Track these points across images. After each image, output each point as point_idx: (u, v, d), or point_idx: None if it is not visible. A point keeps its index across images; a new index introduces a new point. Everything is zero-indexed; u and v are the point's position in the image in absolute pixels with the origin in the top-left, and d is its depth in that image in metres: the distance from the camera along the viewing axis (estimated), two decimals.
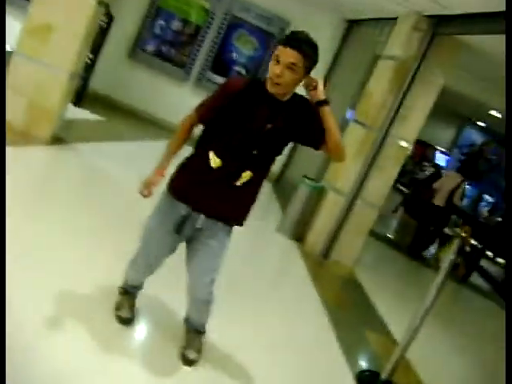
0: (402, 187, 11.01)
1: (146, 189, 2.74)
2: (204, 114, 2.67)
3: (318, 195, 6.19)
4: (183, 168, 2.71)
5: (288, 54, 2.44)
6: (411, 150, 6.58)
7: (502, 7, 3.87)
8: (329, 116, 2.61)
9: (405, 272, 7.99)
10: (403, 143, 6.01)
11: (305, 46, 2.46)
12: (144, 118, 8.87)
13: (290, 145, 8.35)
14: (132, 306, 3.11)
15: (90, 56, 7.20)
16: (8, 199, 3.54)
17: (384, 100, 5.78)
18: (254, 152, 2.59)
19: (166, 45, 9.04)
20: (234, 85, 2.62)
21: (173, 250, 2.85)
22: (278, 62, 2.47)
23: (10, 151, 5.02)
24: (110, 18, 7.62)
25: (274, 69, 2.48)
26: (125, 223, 4.58)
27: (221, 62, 9.16)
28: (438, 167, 13.21)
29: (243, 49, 9.15)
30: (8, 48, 5.60)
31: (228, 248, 2.82)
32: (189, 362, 2.92)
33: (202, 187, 2.65)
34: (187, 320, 3.04)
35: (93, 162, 6.03)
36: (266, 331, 3.88)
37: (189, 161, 2.71)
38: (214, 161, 2.59)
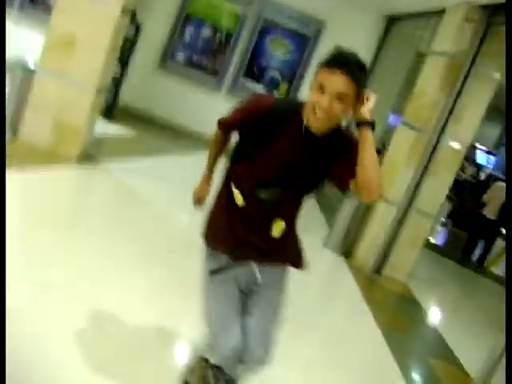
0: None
1: (198, 200, 2.44)
2: (229, 121, 2.31)
3: (366, 206, 5.73)
4: (213, 211, 2.26)
5: (337, 81, 1.91)
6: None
7: None
8: (368, 142, 1.98)
9: (461, 283, 7.45)
10: (458, 146, 5.50)
11: (356, 69, 1.95)
12: (177, 131, 8.56)
13: None
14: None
15: (119, 68, 6.90)
16: (36, 225, 3.22)
17: (436, 100, 5.30)
18: (278, 191, 2.10)
19: (197, 53, 8.72)
20: (260, 105, 2.13)
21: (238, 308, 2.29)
22: (322, 90, 1.93)
23: (37, 172, 4.76)
24: (137, 28, 7.33)
25: (319, 100, 1.94)
26: (168, 250, 4.23)
27: (254, 67, 8.78)
28: (478, 166, 12.68)
29: (277, 53, 8.76)
30: (31, 65, 5.30)
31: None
32: None
33: (236, 234, 2.17)
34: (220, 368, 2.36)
35: (126, 181, 5.69)
36: (320, 351, 3.56)
37: (217, 199, 2.25)
38: (238, 199, 2.14)
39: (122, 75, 7.34)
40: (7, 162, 4.73)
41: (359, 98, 1.95)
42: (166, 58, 8.71)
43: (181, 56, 8.69)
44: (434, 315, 5.13)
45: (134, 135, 7.53)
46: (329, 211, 6.95)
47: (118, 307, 3.10)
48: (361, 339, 4.15)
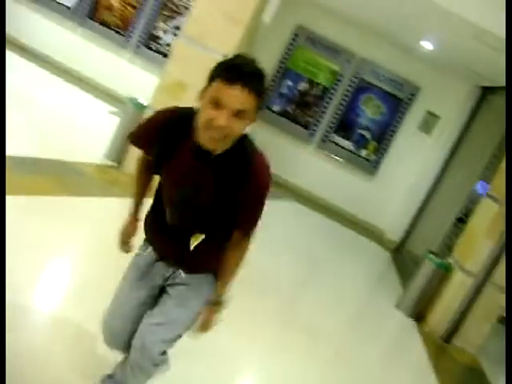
0: None
1: (124, 244, 2.30)
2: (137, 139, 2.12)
3: (443, 273, 5.74)
4: (148, 213, 2.19)
5: (237, 96, 1.71)
6: None
7: None
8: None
9: None
10: None
11: (256, 80, 1.75)
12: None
13: (414, 211, 7.89)
14: None
15: None
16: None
17: None
18: (188, 214, 1.98)
19: (292, 105, 9.07)
20: (161, 116, 2.01)
21: (136, 310, 2.15)
22: (217, 105, 1.73)
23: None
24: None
25: (215, 117, 1.72)
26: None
27: (345, 124, 9.03)
28: None
29: (369, 112, 8.98)
30: (144, 102, 5.79)
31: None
32: None
33: (162, 242, 2.11)
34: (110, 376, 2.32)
35: None
36: None
37: (153, 205, 2.16)
38: (168, 214, 2.05)
39: None
40: (106, 192, 5.22)
41: (259, 107, 1.79)
42: (263, 106, 9.12)
43: (277, 106, 9.09)
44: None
45: None
46: (404, 271, 6.98)
47: None
48: None
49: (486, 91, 8.30)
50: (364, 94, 8.96)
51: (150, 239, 2.16)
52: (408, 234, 8.65)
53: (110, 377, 2.31)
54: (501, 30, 5.04)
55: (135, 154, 5.38)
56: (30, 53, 8.98)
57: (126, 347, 2.16)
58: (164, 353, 2.09)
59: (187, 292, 2.08)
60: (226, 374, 3.21)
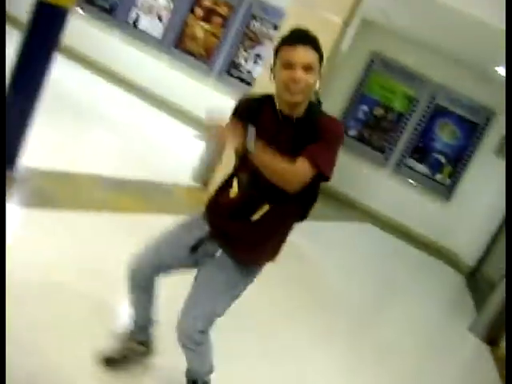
0: None
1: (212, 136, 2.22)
2: None
3: None
4: (217, 189, 2.38)
5: (303, 53, 2.02)
6: None
7: None
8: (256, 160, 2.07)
9: None
10: None
11: (315, 42, 2.08)
12: (342, 200, 9.12)
13: (490, 235, 7.88)
14: (125, 348, 2.63)
15: None
16: None
17: None
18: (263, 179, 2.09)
19: (368, 129, 9.31)
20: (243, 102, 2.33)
21: (173, 267, 2.41)
22: (290, 66, 2.03)
23: None
24: (318, 104, 8.08)
25: (291, 75, 2.02)
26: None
27: (421, 148, 9.16)
28: None
29: (444, 137, 9.09)
30: None
31: (239, 293, 2.34)
32: None
33: (223, 212, 2.28)
34: (186, 370, 2.50)
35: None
36: None
37: (222, 182, 2.37)
38: (234, 190, 2.23)
39: None
40: (194, 209, 5.62)
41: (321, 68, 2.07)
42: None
43: (353, 131, 9.35)
44: None
45: None
46: (479, 295, 7.00)
47: None
48: None
49: None
50: (439, 119, 9.08)
51: (209, 217, 2.33)
52: (484, 258, 8.64)
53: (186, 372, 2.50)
54: None
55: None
56: (123, 81, 9.67)
57: (146, 283, 2.42)
58: (203, 332, 2.27)
59: (226, 281, 2.27)
60: None
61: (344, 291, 5.52)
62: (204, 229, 2.30)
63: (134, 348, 2.62)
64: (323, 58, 2.11)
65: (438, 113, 9.09)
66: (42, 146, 4.83)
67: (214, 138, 2.15)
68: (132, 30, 10.11)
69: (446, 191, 9.12)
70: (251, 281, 2.35)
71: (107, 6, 10.04)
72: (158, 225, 4.58)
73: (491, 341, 5.83)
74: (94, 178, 5.03)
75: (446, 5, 5.45)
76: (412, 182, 9.20)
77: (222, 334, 2.56)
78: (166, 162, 6.91)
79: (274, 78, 2.12)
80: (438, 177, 9.13)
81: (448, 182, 9.11)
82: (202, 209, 2.37)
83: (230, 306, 2.32)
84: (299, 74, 2.01)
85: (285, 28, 5.73)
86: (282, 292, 4.63)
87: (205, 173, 6.25)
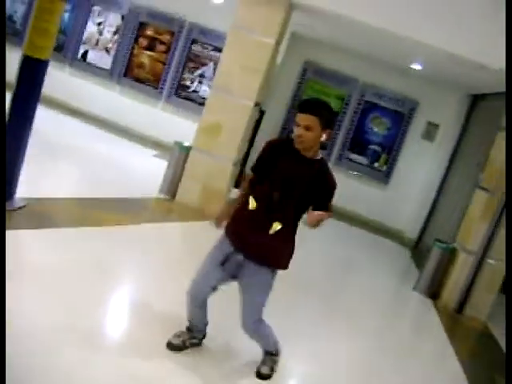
0: None
1: (219, 222, 3.39)
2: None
3: (450, 255, 6.85)
4: (236, 209, 3.31)
5: (303, 119, 3.01)
6: None
7: None
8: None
9: None
10: None
11: (316, 108, 3.03)
12: None
13: (426, 210, 8.88)
14: (187, 341, 3.52)
15: (246, 146, 8.57)
16: (183, 262, 4.75)
17: (503, 167, 6.40)
18: (282, 198, 3.09)
19: None
20: (264, 149, 3.30)
21: (216, 284, 3.29)
22: (298, 125, 3.03)
23: (187, 226, 6.41)
24: (261, 113, 9.04)
25: (295, 131, 3.04)
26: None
27: (358, 142, 10.25)
28: None
29: (377, 129, 10.20)
30: (188, 143, 7.09)
31: (271, 286, 3.27)
32: (259, 375, 3.53)
33: (242, 226, 3.20)
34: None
35: None
36: (405, 373, 4.68)
37: (240, 204, 3.29)
38: (252, 204, 3.15)
39: (248, 151, 9.03)
40: (167, 218, 6.48)
41: (328, 126, 3.03)
42: (283, 135, 10.42)
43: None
44: (502, 342, 6.05)
45: None
46: (421, 262, 8.05)
47: None
48: (440, 363, 5.24)
49: (476, 98, 9.47)
50: (370, 113, 10.20)
51: (229, 231, 3.27)
52: (423, 230, 9.77)
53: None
54: (469, 53, 6.27)
55: (185, 187, 6.64)
56: (79, 113, 10.42)
57: (201, 302, 3.39)
58: (255, 322, 3.34)
59: (258, 283, 3.25)
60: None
61: (310, 273, 6.42)
62: (229, 246, 3.23)
63: (193, 342, 3.57)
64: (331, 117, 3.11)
65: (369, 108, 10.20)
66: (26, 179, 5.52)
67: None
68: (81, 64, 10.87)
69: (385, 176, 10.24)
70: (275, 277, 3.31)
71: (56, 45, 10.72)
72: (135, 232, 5.44)
73: (432, 295, 6.89)
74: (74, 199, 5.81)
75: (354, 20, 6.48)
76: (353, 172, 10.28)
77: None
78: (132, 180, 7.67)
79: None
80: (376, 165, 10.22)
81: (385, 168, 10.23)
82: (224, 231, 3.30)
83: (268, 296, 3.30)
84: (300, 131, 3.02)
85: (227, 50, 6.72)
86: None
87: (171, 185, 7.11)
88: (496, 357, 5.75)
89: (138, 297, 4.18)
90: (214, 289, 3.32)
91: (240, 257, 3.18)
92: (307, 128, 2.99)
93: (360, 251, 8.64)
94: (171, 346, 3.45)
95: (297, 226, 3.25)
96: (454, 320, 6.57)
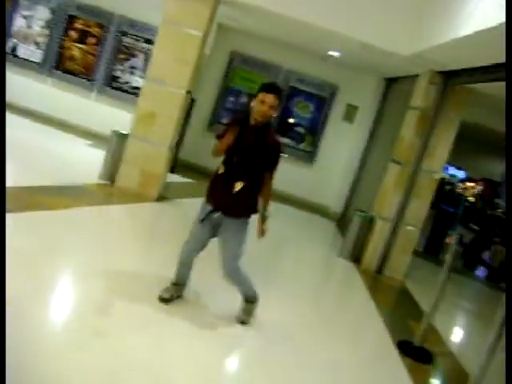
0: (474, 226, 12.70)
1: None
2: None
3: (369, 223, 7.62)
4: (211, 182, 4.07)
5: (270, 98, 3.70)
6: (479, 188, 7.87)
7: (496, 60, 5.34)
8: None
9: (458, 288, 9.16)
10: (432, 175, 7.42)
11: (279, 91, 3.79)
12: None
13: (349, 185, 9.70)
14: (175, 293, 4.21)
15: (179, 132, 9.06)
16: (125, 239, 5.22)
17: (412, 142, 7.24)
18: (241, 162, 3.82)
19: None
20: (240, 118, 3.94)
21: (205, 239, 4.04)
22: (263, 102, 3.69)
23: (128, 207, 6.87)
24: (192, 101, 9.54)
25: (262, 108, 3.70)
26: None
27: (284, 125, 10.92)
28: None
29: (301, 113, 10.91)
30: (125, 131, 7.52)
31: (245, 235, 4.01)
32: (239, 321, 4.22)
33: (215, 189, 3.96)
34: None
35: (188, 212, 7.77)
36: (334, 326, 5.38)
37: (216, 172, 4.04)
38: (221, 169, 3.94)
39: (181, 137, 9.53)
40: (108, 201, 6.91)
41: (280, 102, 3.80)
42: (213, 121, 10.97)
43: (224, 119, 10.93)
44: (418, 298, 6.88)
45: (192, 182, 9.70)
46: (344, 232, 8.83)
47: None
48: (362, 315, 5.99)
49: (390, 81, 10.32)
50: (294, 98, 10.89)
51: (207, 195, 4.01)
52: (347, 204, 10.58)
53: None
54: (378, 42, 7.00)
55: (124, 173, 7.06)
56: (11, 107, 10.55)
57: (190, 262, 4.16)
58: (235, 268, 4.05)
59: (233, 234, 3.95)
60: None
61: (247, 248, 7.01)
62: (208, 207, 3.96)
63: (178, 294, 4.27)
64: (281, 97, 3.80)
65: (293, 93, 10.88)
66: None
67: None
68: (11, 58, 10.98)
69: (310, 157, 10.97)
70: (247, 227, 4.02)
71: None
72: (82, 214, 5.85)
73: (355, 260, 7.66)
74: (18, 188, 6.13)
75: (275, 12, 7.07)
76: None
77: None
78: (71, 169, 7.97)
79: (254, 104, 3.78)
80: (302, 146, 10.94)
81: (310, 149, 10.96)
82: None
83: (243, 245, 4.02)
84: (267, 109, 3.72)
85: (159, 43, 7.18)
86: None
87: (110, 172, 7.53)
88: (411, 308, 6.55)
89: (94, 269, 4.65)
90: (203, 247, 4.07)
91: (218, 214, 3.90)
92: (272, 107, 3.70)
93: (291, 227, 9.31)
94: (162, 299, 4.12)
95: (256, 183, 3.92)
96: (375, 280, 7.36)
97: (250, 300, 4.27)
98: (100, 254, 4.98)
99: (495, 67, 5.62)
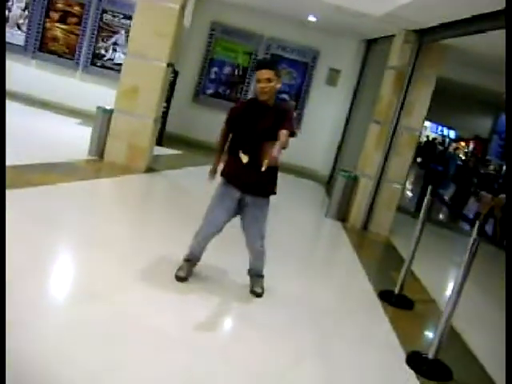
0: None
1: (213, 172, 4.21)
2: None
3: (353, 183, 7.85)
4: (229, 164, 4.07)
5: (263, 73, 3.75)
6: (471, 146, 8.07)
7: (468, 14, 5.51)
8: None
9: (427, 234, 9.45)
10: (412, 132, 7.62)
11: (270, 64, 3.94)
12: (209, 148, 10.78)
13: (335, 148, 9.93)
14: (189, 270, 4.28)
15: (164, 104, 9.22)
16: (118, 210, 5.41)
17: (390, 101, 7.43)
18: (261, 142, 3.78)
19: (222, 86, 11.09)
20: (236, 107, 4.15)
21: (226, 222, 4.13)
22: (258, 81, 3.76)
23: (117, 180, 7.08)
24: (175, 74, 9.68)
25: (259, 85, 3.77)
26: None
27: None
28: None
29: (284, 79, 11.02)
30: (108, 107, 7.69)
31: (268, 211, 4.18)
32: (257, 295, 4.31)
33: (243, 177, 3.97)
34: (250, 270, 4.40)
35: (177, 182, 8.02)
36: (323, 279, 5.64)
37: (230, 159, 4.05)
38: (244, 157, 3.93)
39: (167, 109, 9.69)
40: (98, 175, 7.11)
41: (280, 76, 3.82)
42: (198, 93, 11.12)
43: (210, 90, 11.09)
44: (402, 251, 7.14)
45: (179, 154, 9.90)
46: (330, 193, 9.05)
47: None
48: (346, 267, 6.26)
49: (369, 43, 10.45)
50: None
51: (232, 181, 4.03)
52: (334, 166, 10.81)
53: (250, 270, 4.41)
54: (351, 4, 7.14)
55: (112, 147, 7.26)
56: None
57: (208, 240, 4.22)
58: (263, 242, 4.23)
59: (256, 211, 4.10)
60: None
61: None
62: (236, 191, 4.02)
63: (192, 269, 4.34)
64: (276, 68, 3.85)
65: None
66: None
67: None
68: None
69: (296, 122, 11.12)
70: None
71: None
72: (74, 188, 6.06)
73: (341, 219, 7.90)
74: (10, 167, 6.31)
75: None
76: None
77: None
78: (61, 147, 8.14)
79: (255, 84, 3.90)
80: None
81: (295, 113, 11.12)
82: (223, 180, 4.09)
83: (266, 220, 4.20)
84: (263, 84, 3.75)
85: (137, 18, 7.31)
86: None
87: (98, 147, 7.71)
88: (394, 260, 6.79)
89: (91, 240, 4.88)
90: (222, 229, 4.17)
91: (248, 196, 4.02)
92: (268, 80, 3.74)
93: (281, 192, 9.37)
94: (179, 278, 4.22)
95: None
96: (361, 236, 7.63)
97: (261, 274, 4.42)
98: (94, 225, 5.21)
99: (469, 21, 5.75)
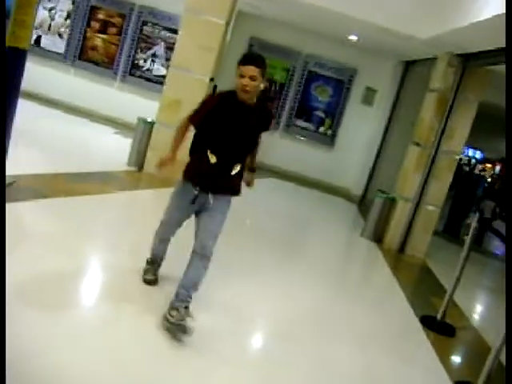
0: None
1: (162, 165, 3.72)
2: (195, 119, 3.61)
3: (390, 204, 7.80)
4: (192, 162, 3.64)
5: (249, 70, 3.30)
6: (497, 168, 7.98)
7: None
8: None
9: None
10: (452, 156, 7.56)
11: (258, 61, 3.36)
12: None
13: (368, 168, 9.95)
14: (153, 272, 4.10)
15: None
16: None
17: (432, 123, 7.39)
18: (239, 147, 3.50)
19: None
20: (211, 101, 3.57)
21: (183, 220, 3.76)
22: (242, 76, 3.31)
23: (157, 192, 7.12)
24: (214, 87, 9.73)
25: (241, 81, 3.32)
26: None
27: (304, 109, 11.09)
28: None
29: (320, 97, 11.07)
30: (149, 119, 7.75)
31: (227, 214, 3.67)
32: (168, 321, 3.43)
33: (207, 176, 3.51)
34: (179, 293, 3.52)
35: None
36: (359, 301, 5.60)
37: (194, 157, 3.63)
38: (212, 157, 3.47)
39: None
40: (138, 187, 7.16)
41: (264, 76, 3.37)
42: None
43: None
44: (439, 275, 7.07)
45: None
46: (365, 213, 9.02)
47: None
48: (386, 291, 6.22)
49: (408, 64, 10.42)
50: (313, 82, 11.05)
51: (192, 178, 3.58)
52: (367, 186, 10.77)
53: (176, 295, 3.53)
54: (396, 26, 7.14)
55: (151, 159, 7.34)
56: (37, 97, 10.83)
57: (168, 240, 3.96)
58: (212, 248, 3.53)
59: (216, 212, 3.57)
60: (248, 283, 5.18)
61: (271, 230, 7.22)
62: (194, 189, 3.54)
63: (158, 270, 4.15)
64: (263, 66, 3.36)
65: (312, 77, 11.05)
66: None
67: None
68: (35, 49, 11.22)
69: (330, 140, 11.15)
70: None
71: None
72: (116, 199, 6.11)
73: (377, 239, 7.84)
74: (53, 175, 6.39)
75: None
76: (301, 137, 11.15)
77: None
78: (100, 156, 8.25)
79: (236, 79, 3.40)
80: (321, 129, 11.13)
81: (329, 132, 11.14)
82: (182, 179, 3.66)
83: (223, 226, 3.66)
84: (246, 81, 3.32)
85: (183, 32, 7.38)
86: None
87: (138, 158, 7.78)
88: (432, 284, 6.74)
89: (131, 249, 4.90)
90: (180, 226, 3.84)
91: (207, 194, 3.54)
92: (252, 78, 3.31)
93: (313, 209, 9.53)
94: (148, 281, 4.05)
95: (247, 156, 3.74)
96: (397, 258, 7.56)
97: (188, 299, 3.49)
98: (134, 233, 5.24)
99: None
